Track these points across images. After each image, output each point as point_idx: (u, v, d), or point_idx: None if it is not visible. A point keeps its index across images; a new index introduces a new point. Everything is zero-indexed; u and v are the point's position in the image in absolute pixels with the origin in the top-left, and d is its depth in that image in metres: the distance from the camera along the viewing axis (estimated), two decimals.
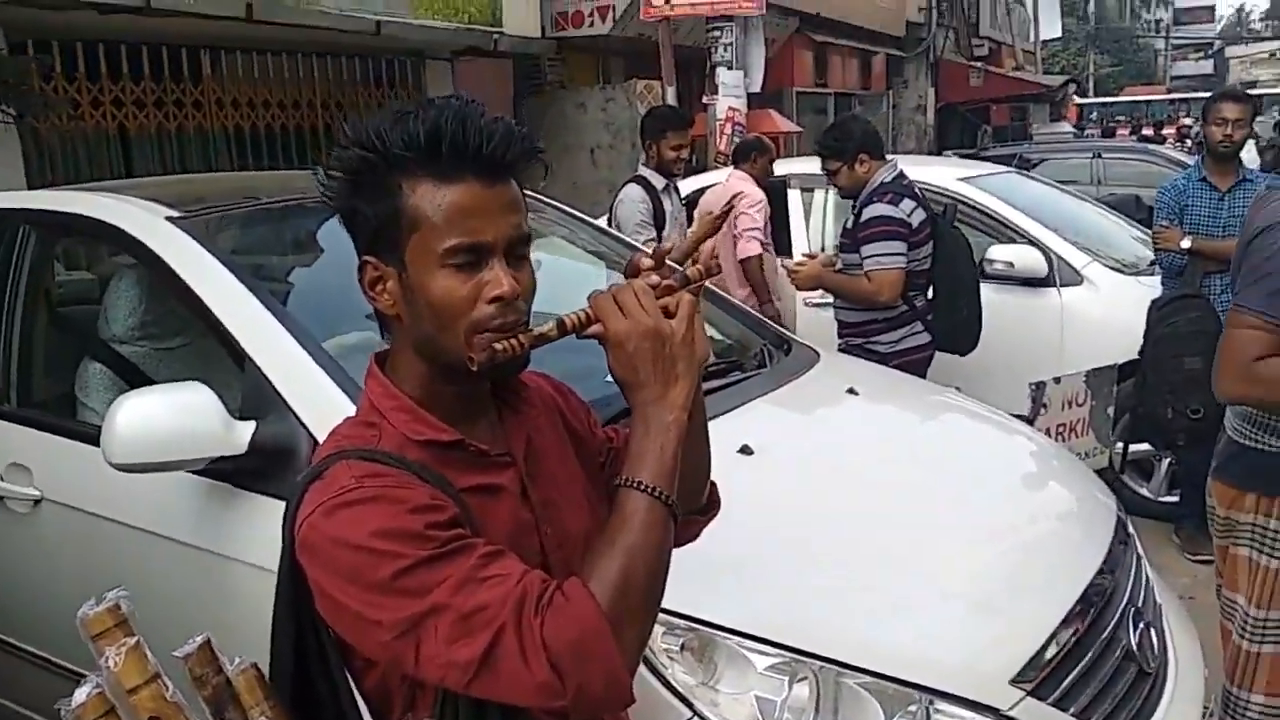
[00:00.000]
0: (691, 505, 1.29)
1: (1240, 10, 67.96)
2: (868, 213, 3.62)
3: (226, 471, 1.99)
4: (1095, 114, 28.78)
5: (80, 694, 1.03)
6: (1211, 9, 62.72)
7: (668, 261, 1.18)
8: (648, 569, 1.02)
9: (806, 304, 4.81)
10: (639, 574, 1.01)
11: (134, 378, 2.60)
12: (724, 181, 5.23)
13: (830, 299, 3.92)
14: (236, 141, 7.99)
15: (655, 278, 1.11)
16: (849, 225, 3.80)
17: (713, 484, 1.34)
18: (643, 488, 1.04)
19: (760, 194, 5.01)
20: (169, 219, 2.37)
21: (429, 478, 1.05)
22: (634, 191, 4.40)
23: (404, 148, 1.04)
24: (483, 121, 1.05)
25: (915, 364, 3.59)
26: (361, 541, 0.98)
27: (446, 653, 0.96)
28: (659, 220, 4.37)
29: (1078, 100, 29.20)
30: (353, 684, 1.15)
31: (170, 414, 1.90)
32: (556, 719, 1.02)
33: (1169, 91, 35.42)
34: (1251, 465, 2.26)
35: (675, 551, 1.24)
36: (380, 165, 1.06)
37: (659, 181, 4.46)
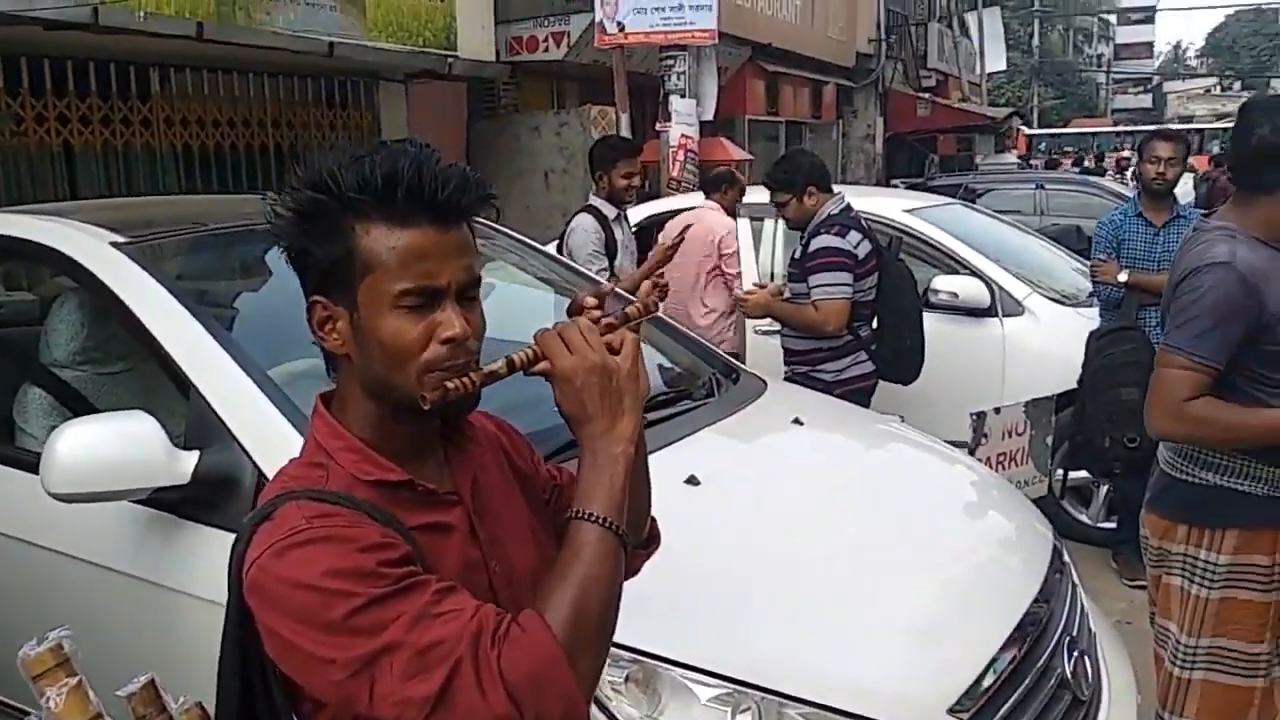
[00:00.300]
0: (633, 540, 1.30)
1: (1177, 47, 70.10)
2: (815, 244, 3.69)
3: (169, 501, 1.98)
4: (1044, 145, 29.42)
5: None
6: (1150, 45, 64.69)
7: (617, 290, 1.20)
8: (601, 599, 1.03)
9: (756, 331, 4.87)
10: (593, 604, 1.02)
11: (75, 403, 2.57)
12: (696, 208, 5.26)
13: (779, 327, 3.98)
14: (185, 160, 7.88)
15: (598, 314, 1.13)
16: (797, 255, 3.87)
17: (653, 519, 1.36)
18: (594, 519, 1.05)
19: (736, 229, 5.07)
20: (114, 244, 2.35)
21: (379, 516, 1.05)
22: (586, 221, 4.42)
23: (359, 191, 1.05)
24: (438, 168, 1.06)
25: (859, 392, 3.66)
26: (313, 581, 0.98)
27: (402, 689, 0.96)
28: (610, 249, 4.40)
29: (1026, 131, 29.83)
30: None
31: (112, 443, 1.88)
32: None
33: (1116, 124, 36.35)
34: (1182, 498, 2.32)
35: None
36: (334, 207, 1.06)
37: (610, 211, 4.48)
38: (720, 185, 5.26)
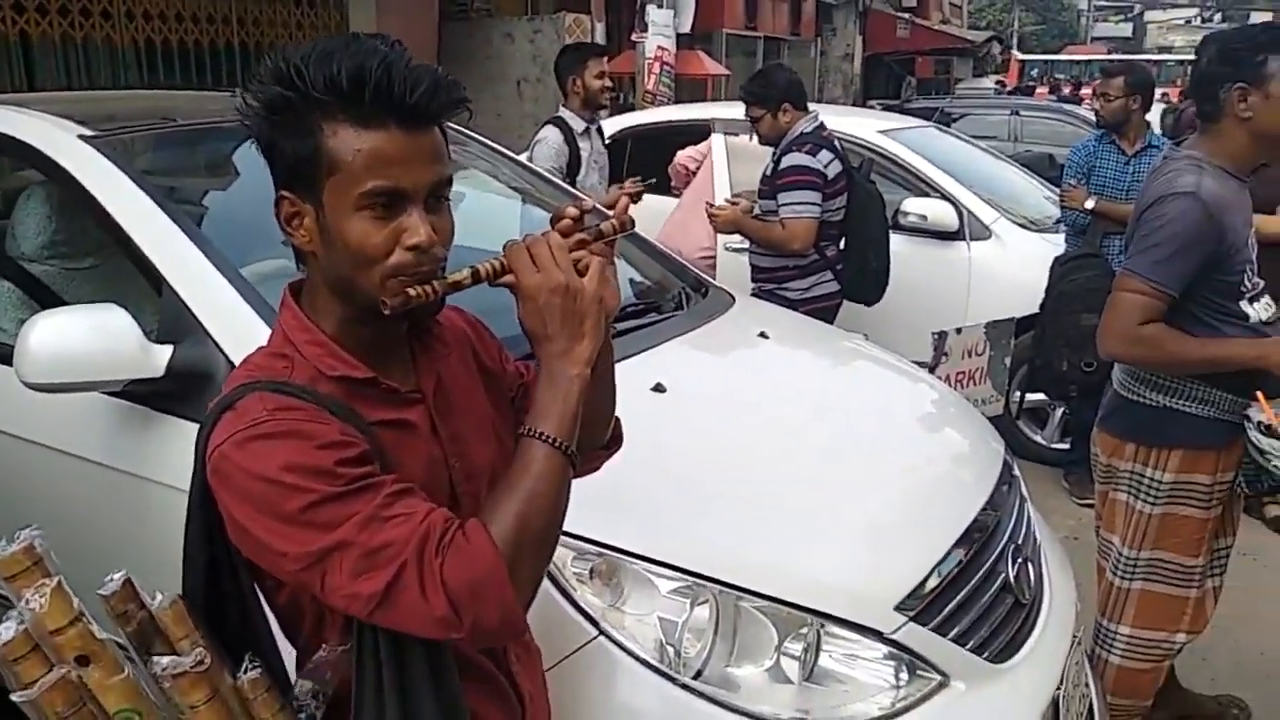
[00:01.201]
0: (595, 441, 1.34)
1: None
2: (786, 161, 3.70)
3: (142, 394, 2.00)
4: (1036, 70, 28.90)
5: (5, 632, 1.01)
6: None
7: (598, 206, 1.21)
8: (544, 515, 1.06)
9: (726, 248, 4.89)
10: (536, 520, 1.05)
11: (44, 297, 2.56)
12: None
13: (748, 244, 4.00)
14: (148, 56, 7.67)
15: (571, 227, 1.12)
16: (768, 173, 3.88)
17: (617, 420, 1.39)
18: (544, 438, 1.07)
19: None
20: (82, 137, 2.32)
21: (340, 412, 1.07)
22: (552, 136, 4.29)
23: (325, 90, 1.03)
24: (408, 69, 1.04)
25: (823, 311, 3.71)
26: (271, 475, 1.00)
27: (350, 585, 1.00)
28: (574, 166, 4.31)
29: (1019, 56, 29.30)
30: (264, 602, 1.18)
31: (86, 335, 1.89)
32: None
33: (1110, 52, 35.80)
34: (1131, 417, 2.42)
35: (588, 480, 1.31)
36: (299, 104, 1.04)
37: (578, 124, 4.34)
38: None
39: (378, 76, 1.02)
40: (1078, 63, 29.37)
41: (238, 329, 1.96)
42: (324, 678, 1.12)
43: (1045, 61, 31.04)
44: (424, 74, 1.05)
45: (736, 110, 4.43)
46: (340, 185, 1.05)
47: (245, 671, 1.09)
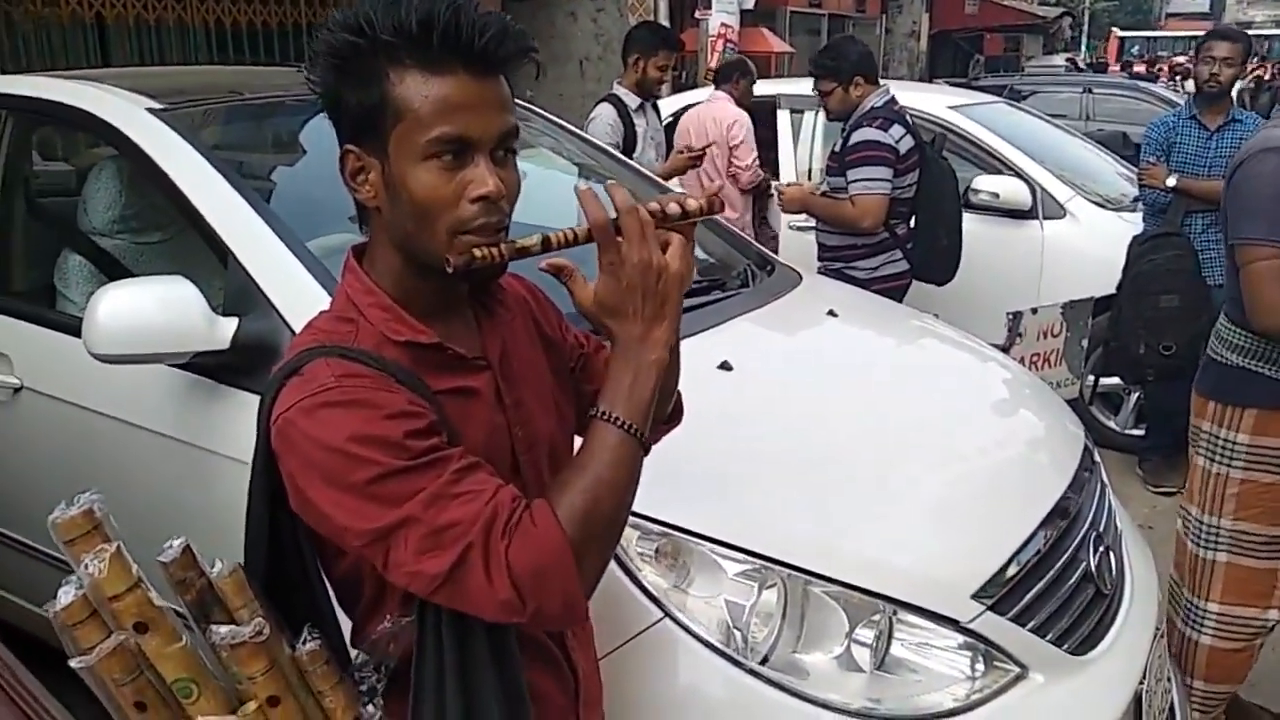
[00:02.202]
0: (657, 416, 1.28)
1: None
2: (856, 136, 3.60)
3: (208, 366, 2.00)
4: (1137, 48, 27.59)
5: (64, 596, 0.99)
6: None
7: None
8: (613, 501, 1.03)
9: (791, 227, 4.81)
10: (605, 506, 1.02)
11: (114, 270, 2.58)
12: (706, 101, 5.16)
13: (814, 222, 3.92)
14: (217, 35, 7.78)
15: (655, 205, 1.07)
16: (837, 149, 3.79)
17: (679, 394, 1.35)
18: (618, 423, 1.04)
19: (747, 118, 4.96)
20: (150, 110, 2.33)
21: (406, 379, 1.04)
22: (606, 112, 4.29)
23: (393, 34, 1.01)
24: (476, 15, 1.02)
25: (892, 291, 3.61)
26: (338, 444, 0.98)
27: (415, 563, 0.98)
28: (629, 142, 4.29)
29: (1119, 33, 28.05)
30: (323, 573, 1.16)
31: (153, 307, 1.90)
32: None
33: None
34: (1212, 376, 2.40)
35: (654, 458, 1.26)
36: (367, 51, 1.03)
37: (632, 101, 4.34)
38: (732, 75, 5.10)
39: (446, 20, 1.00)
40: (1181, 39, 28.01)
41: (303, 302, 1.95)
42: (386, 650, 1.10)
43: (1147, 38, 29.65)
44: (492, 20, 1.03)
45: (800, 86, 4.34)
46: (407, 133, 1.03)
47: (304, 643, 1.07)
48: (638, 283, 1.03)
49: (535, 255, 1.05)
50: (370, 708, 1.10)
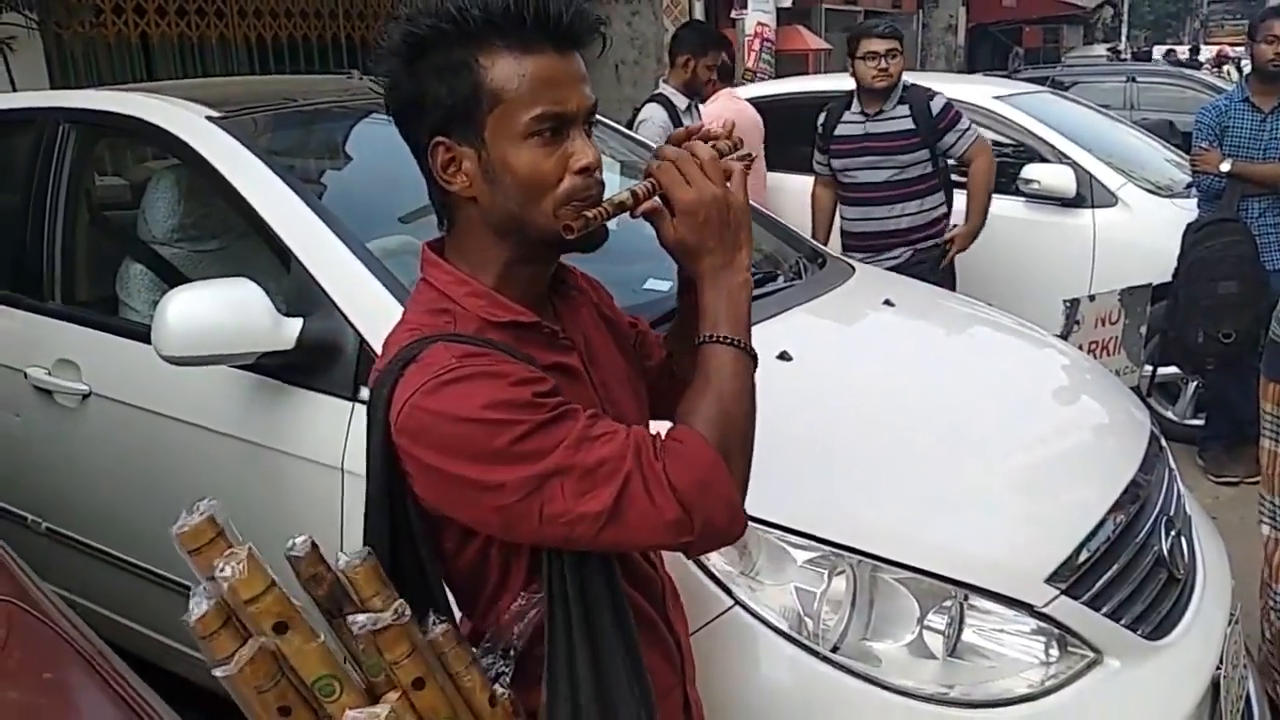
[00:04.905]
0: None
1: None
2: (936, 103, 3.82)
3: (273, 367, 2.03)
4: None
5: (198, 606, 0.97)
6: None
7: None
8: (742, 411, 1.08)
9: None
10: (738, 417, 1.07)
11: (173, 278, 2.62)
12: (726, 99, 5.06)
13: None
14: (259, 51, 7.90)
15: (710, 144, 1.13)
16: (876, 131, 3.86)
17: None
18: (726, 340, 1.08)
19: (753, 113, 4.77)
20: (209, 118, 2.37)
21: (519, 356, 1.06)
22: (657, 114, 4.28)
23: (484, 18, 1.03)
24: None
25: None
26: (473, 415, 0.99)
27: (576, 507, 0.99)
28: None
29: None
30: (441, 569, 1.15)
31: (220, 308, 1.93)
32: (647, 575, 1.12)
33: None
34: (1273, 356, 2.38)
35: None
36: (454, 38, 1.04)
37: (681, 101, 4.33)
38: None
39: (535, 1, 1.03)
40: None
41: (365, 301, 1.98)
42: (511, 632, 1.11)
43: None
44: None
45: (843, 83, 4.32)
46: (505, 116, 1.05)
47: (434, 625, 1.07)
48: (715, 216, 1.07)
49: (628, 210, 1.10)
50: (497, 686, 1.10)
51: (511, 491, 1.00)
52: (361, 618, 1.01)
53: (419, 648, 1.04)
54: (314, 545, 1.03)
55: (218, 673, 0.97)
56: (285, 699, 0.98)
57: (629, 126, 4.49)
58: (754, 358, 1.11)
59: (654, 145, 4.02)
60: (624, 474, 1.00)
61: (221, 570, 0.96)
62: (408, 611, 1.02)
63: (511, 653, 1.11)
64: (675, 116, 4.29)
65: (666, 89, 4.38)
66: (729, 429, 1.05)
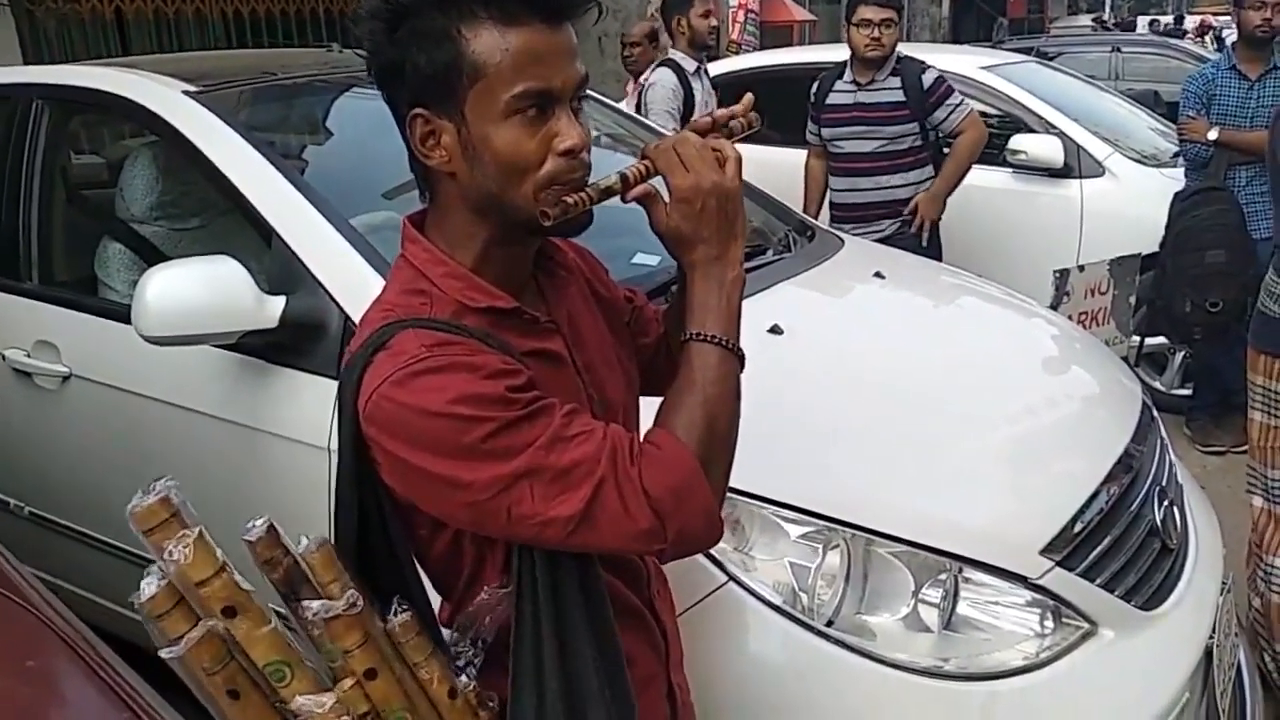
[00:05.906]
0: None
1: None
2: (929, 77, 3.79)
3: (256, 347, 1.99)
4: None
5: (149, 587, 0.96)
6: None
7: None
8: (726, 414, 1.04)
9: None
10: (720, 420, 1.03)
11: (153, 257, 2.58)
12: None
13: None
14: (235, 25, 7.79)
15: (707, 125, 1.11)
16: (869, 101, 3.83)
17: None
18: (714, 340, 1.04)
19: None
20: (187, 93, 2.32)
21: (493, 344, 1.02)
22: (667, 78, 4.26)
23: None
24: None
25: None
26: (442, 409, 0.95)
27: (545, 510, 0.96)
28: (689, 106, 4.27)
29: None
30: (417, 555, 1.13)
31: (201, 287, 1.89)
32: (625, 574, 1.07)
33: None
34: (1259, 327, 2.40)
35: None
36: (435, 6, 0.99)
37: (689, 64, 4.33)
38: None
39: None
40: None
41: (349, 278, 1.94)
42: (482, 623, 1.08)
43: None
44: None
45: (833, 53, 4.29)
46: (486, 92, 1.00)
47: (395, 614, 1.04)
48: (712, 204, 1.03)
49: (617, 194, 1.05)
50: (463, 678, 1.07)
51: (479, 490, 0.96)
52: (315, 605, 0.99)
53: (374, 637, 1.02)
54: (271, 528, 1.01)
55: (164, 653, 0.96)
56: (234, 682, 0.97)
57: (624, 98, 4.46)
58: (741, 359, 1.07)
59: (662, 110, 4.02)
60: (597, 478, 0.96)
61: (170, 554, 0.95)
62: (359, 601, 1.00)
63: (480, 643, 1.09)
64: (684, 80, 4.28)
65: (674, 54, 4.40)
66: (711, 435, 1.01)
